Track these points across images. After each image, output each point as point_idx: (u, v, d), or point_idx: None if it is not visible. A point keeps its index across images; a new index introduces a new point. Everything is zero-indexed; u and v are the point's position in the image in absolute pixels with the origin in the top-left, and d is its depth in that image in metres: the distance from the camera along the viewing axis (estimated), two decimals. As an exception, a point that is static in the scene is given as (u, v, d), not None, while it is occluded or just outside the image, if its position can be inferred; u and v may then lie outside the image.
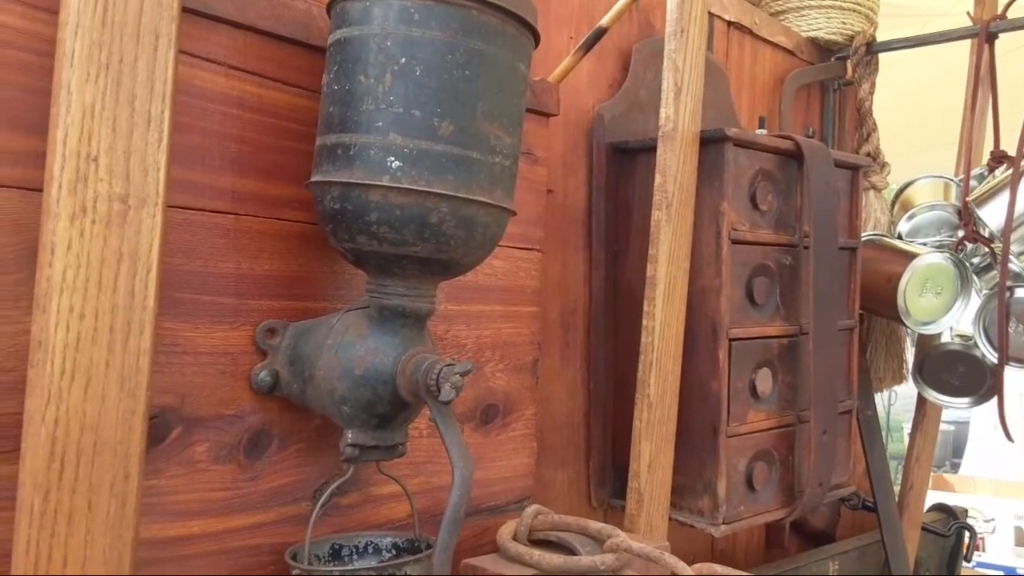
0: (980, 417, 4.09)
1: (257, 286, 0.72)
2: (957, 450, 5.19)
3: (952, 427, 5.46)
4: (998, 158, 1.47)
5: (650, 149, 1.08)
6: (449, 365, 0.64)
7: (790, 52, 1.55)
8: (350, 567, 0.67)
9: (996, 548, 3.13)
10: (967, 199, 1.41)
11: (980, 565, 2.94)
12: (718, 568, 0.68)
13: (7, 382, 0.58)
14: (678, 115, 0.97)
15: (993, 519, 3.18)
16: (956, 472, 4.47)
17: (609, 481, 1.14)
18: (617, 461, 1.13)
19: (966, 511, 1.77)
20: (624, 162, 1.14)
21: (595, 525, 0.83)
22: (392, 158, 0.62)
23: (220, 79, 0.69)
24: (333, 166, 0.64)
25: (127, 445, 0.57)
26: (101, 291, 0.55)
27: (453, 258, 0.66)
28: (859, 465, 1.55)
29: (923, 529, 1.60)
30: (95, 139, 0.55)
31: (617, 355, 1.14)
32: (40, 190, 0.59)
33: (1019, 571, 2.97)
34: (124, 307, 0.56)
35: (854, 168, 1.25)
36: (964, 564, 1.71)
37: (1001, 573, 2.98)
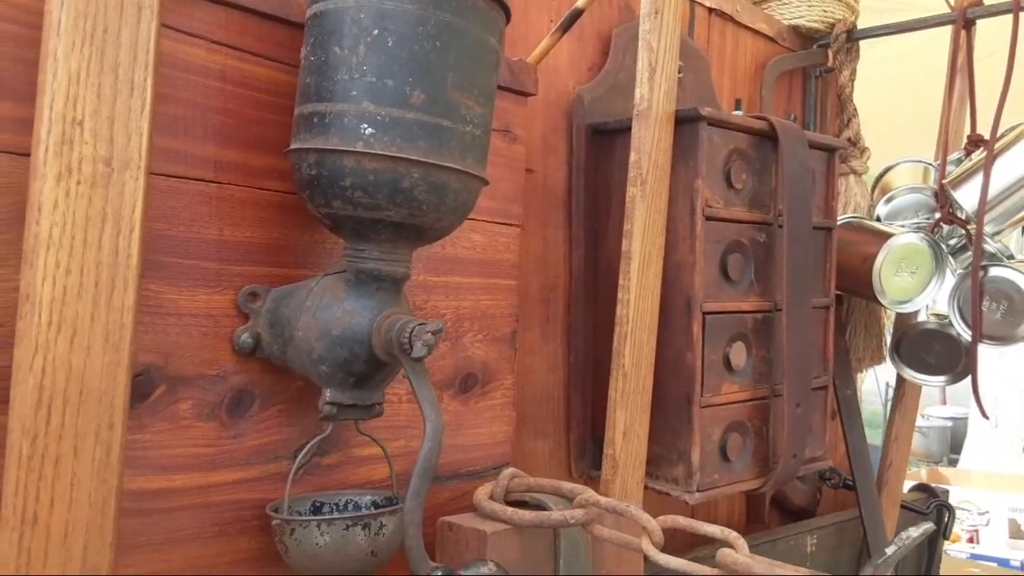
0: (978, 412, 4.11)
1: (239, 252, 0.75)
2: (955, 447, 5.21)
3: (950, 423, 5.48)
4: (975, 142, 1.50)
5: (628, 130, 1.11)
6: (421, 324, 0.67)
7: (771, 39, 1.58)
8: (325, 516, 0.70)
9: (990, 540, 3.17)
10: (943, 181, 1.44)
11: (974, 557, 2.98)
12: (681, 520, 0.71)
13: (-2, 337, 0.62)
14: (652, 94, 1.00)
15: (987, 512, 3.22)
16: (954, 468, 4.51)
17: (589, 453, 1.17)
18: (597, 433, 1.16)
19: (947, 491, 1.81)
20: (603, 143, 1.16)
21: (568, 486, 0.86)
22: (365, 125, 0.65)
23: (203, 53, 0.72)
24: (309, 134, 0.67)
25: (111, 396, 0.60)
26: (86, 248, 0.58)
27: (425, 223, 0.69)
28: (841, 446, 1.59)
29: (903, 507, 1.63)
30: (80, 104, 0.58)
31: (597, 331, 1.17)
32: (28, 155, 0.62)
33: (1013, 563, 3.01)
34: (108, 264, 0.59)
35: (830, 150, 1.27)
36: (944, 543, 1.74)
37: (995, 565, 3.01)
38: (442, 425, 0.66)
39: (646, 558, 0.72)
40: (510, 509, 0.79)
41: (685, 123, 1.05)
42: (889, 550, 1.41)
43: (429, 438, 0.66)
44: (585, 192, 1.16)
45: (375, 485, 0.85)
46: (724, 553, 0.69)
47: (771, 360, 1.17)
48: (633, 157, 1.01)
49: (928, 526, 1.49)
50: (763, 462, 1.17)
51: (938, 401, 5.70)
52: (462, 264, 0.94)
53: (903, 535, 1.43)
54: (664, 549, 0.71)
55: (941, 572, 1.70)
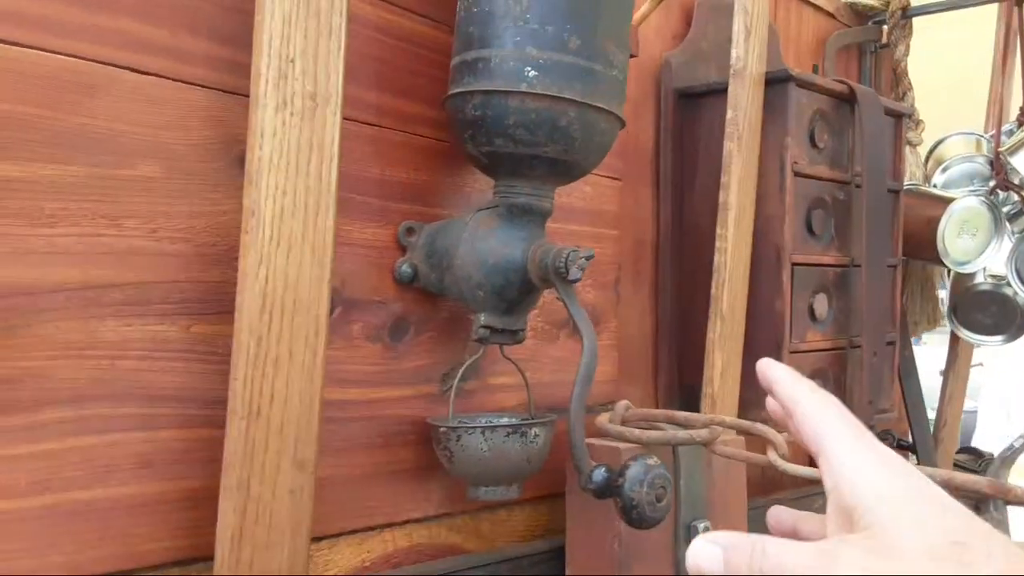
0: (987, 399, 4.16)
1: (396, 191, 0.82)
2: (964, 439, 5.26)
3: (960, 417, 5.52)
4: (1029, 111, 1.56)
5: (714, 93, 1.18)
6: (574, 250, 0.74)
7: (831, 15, 1.64)
8: (489, 424, 0.77)
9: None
10: (999, 149, 1.51)
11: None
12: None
13: (210, 255, 0.69)
14: (747, 55, 1.06)
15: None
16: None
17: (676, 401, 1.24)
18: (684, 381, 1.23)
19: (992, 453, 1.87)
20: (690, 106, 1.23)
21: (682, 414, 0.93)
22: (529, 68, 0.72)
23: (367, 7, 0.79)
24: (473, 78, 0.74)
25: (317, 307, 0.67)
26: (298, 174, 0.66)
27: (576, 159, 0.76)
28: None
29: (955, 466, 1.70)
30: (292, 43, 0.65)
31: (681, 285, 1.23)
32: (235, 92, 0.69)
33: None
34: (314, 189, 0.67)
35: (898, 116, 1.34)
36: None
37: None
38: (596, 338, 0.73)
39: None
40: (637, 430, 0.86)
41: (775, 83, 1.12)
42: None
43: (587, 351, 0.73)
44: (672, 153, 1.23)
45: (505, 410, 0.92)
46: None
47: (848, 312, 1.24)
48: (730, 114, 1.07)
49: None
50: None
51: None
52: (576, 213, 1.00)
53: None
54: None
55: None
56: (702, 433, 0.83)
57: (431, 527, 0.86)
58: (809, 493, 1.32)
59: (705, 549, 0.39)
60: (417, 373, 0.84)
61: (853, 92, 1.21)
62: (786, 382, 0.46)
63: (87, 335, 0.61)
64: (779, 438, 0.79)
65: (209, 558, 0.68)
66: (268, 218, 0.64)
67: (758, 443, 0.75)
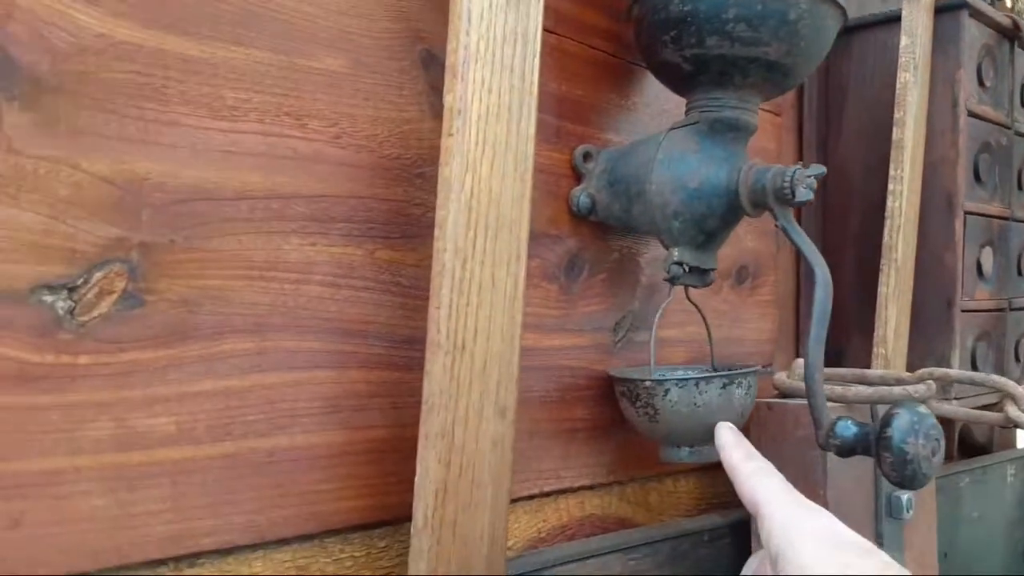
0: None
1: (572, 109, 0.72)
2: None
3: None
4: None
5: (867, 26, 1.07)
6: (799, 168, 0.63)
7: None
8: (705, 375, 0.67)
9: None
10: None
11: None
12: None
13: (394, 168, 0.59)
14: (923, -24, 0.95)
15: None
16: None
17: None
18: (829, 344, 1.12)
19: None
20: (838, 42, 1.12)
21: (876, 372, 0.82)
22: (752, -46, 0.61)
23: None
24: (681, -31, 0.64)
25: (519, 227, 0.57)
26: (503, 69, 0.55)
27: (797, 63, 0.66)
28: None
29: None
30: (495, -86, 0.55)
31: (827, 237, 1.13)
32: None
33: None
34: (518, 88, 0.56)
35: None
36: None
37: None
38: (828, 272, 0.63)
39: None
40: (838, 387, 0.76)
41: (945, 12, 1.00)
42: None
43: (821, 284, 0.62)
44: (817, 92, 1.12)
45: (675, 365, 0.81)
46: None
47: (1007, 269, 1.12)
48: (905, 41, 0.96)
49: None
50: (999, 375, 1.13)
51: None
52: (739, 149, 0.90)
53: None
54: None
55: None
56: (919, 388, 0.73)
57: (602, 496, 0.76)
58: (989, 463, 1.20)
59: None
60: (590, 318, 0.73)
61: (1018, 28, 1.09)
62: (728, 447, 0.60)
63: (270, 253, 0.51)
64: (1020, 391, 0.69)
65: (392, 521, 0.58)
66: (474, 118, 0.54)
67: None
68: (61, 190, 0.44)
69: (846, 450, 0.58)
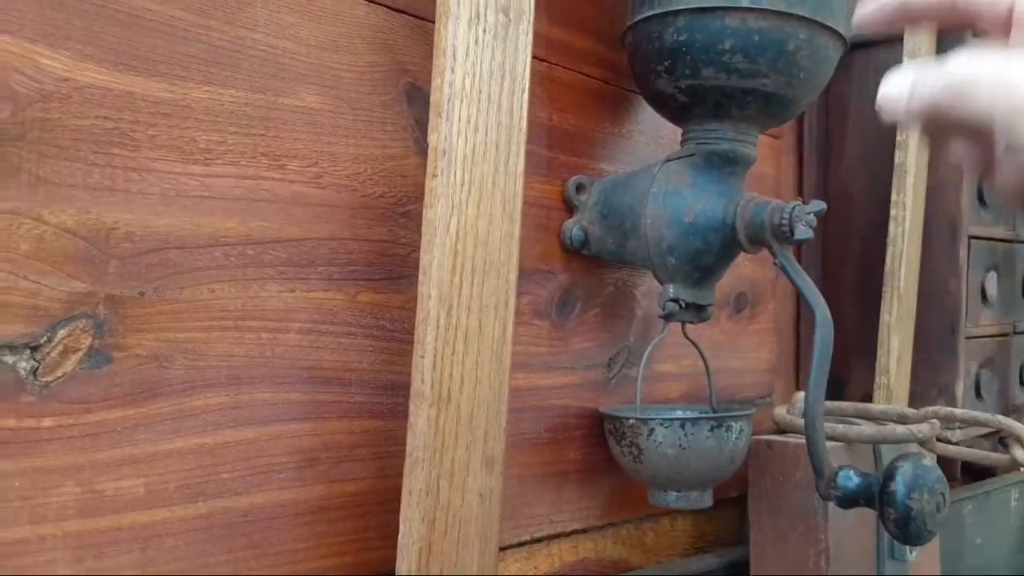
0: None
1: (563, 140, 0.69)
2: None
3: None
4: None
5: (868, 45, 1.05)
6: (798, 204, 0.61)
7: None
8: (690, 417, 0.64)
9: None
10: None
11: None
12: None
13: (377, 207, 0.57)
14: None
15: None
16: None
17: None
18: (830, 373, 1.10)
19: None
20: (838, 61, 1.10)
21: (878, 407, 0.80)
22: (748, -17, 0.59)
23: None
24: (674, -1, 0.61)
25: (507, 269, 0.55)
26: (490, 105, 0.53)
27: (795, 95, 0.63)
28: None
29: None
30: (482, -54, 0.53)
31: (827, 263, 1.10)
32: (403, 11, 0.57)
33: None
34: (506, 126, 0.54)
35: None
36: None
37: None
38: (828, 311, 0.61)
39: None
40: (840, 425, 0.73)
41: (948, 31, 0.99)
42: None
43: (821, 324, 0.60)
44: (817, 114, 1.10)
45: (671, 402, 0.79)
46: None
47: (1012, 293, 1.10)
48: (907, 61, 0.94)
49: None
50: (1004, 403, 1.10)
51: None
52: (737, 175, 0.88)
53: None
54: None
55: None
56: (923, 429, 0.71)
57: (596, 539, 0.73)
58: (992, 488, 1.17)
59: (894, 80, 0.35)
60: (583, 355, 0.71)
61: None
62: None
63: (246, 301, 0.49)
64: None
65: (377, 577, 0.56)
66: (459, 158, 0.51)
67: None
68: (22, 244, 0.41)
69: (848, 502, 0.56)
